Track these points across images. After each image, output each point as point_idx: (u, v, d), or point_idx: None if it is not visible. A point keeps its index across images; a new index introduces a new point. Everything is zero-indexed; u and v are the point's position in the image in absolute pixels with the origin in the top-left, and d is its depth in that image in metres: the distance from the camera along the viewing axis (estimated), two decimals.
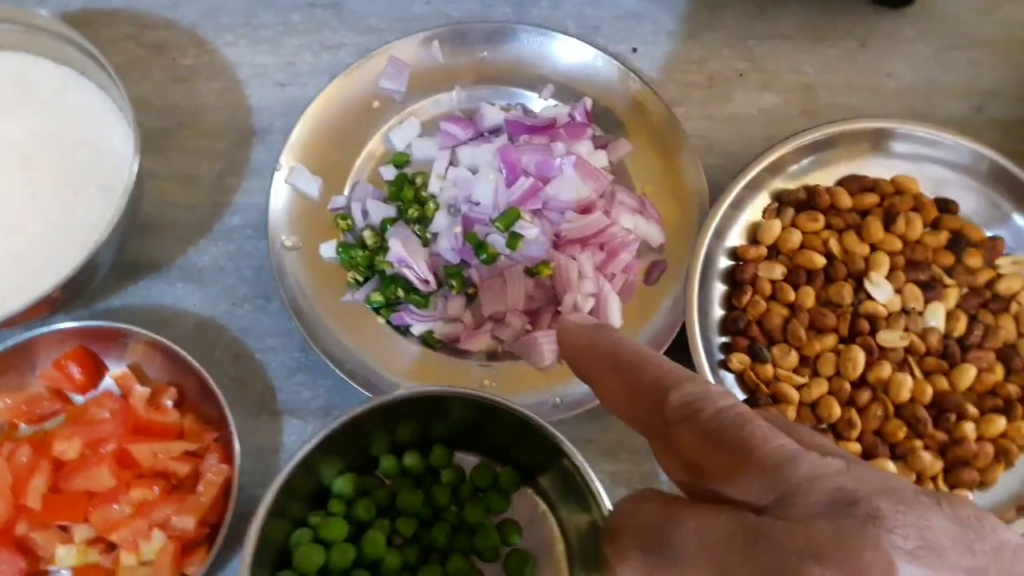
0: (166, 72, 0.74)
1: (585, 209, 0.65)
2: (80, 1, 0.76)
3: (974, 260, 0.67)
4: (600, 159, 0.68)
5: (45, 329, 0.62)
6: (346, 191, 0.70)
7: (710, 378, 0.63)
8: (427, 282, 0.65)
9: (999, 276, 0.67)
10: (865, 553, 0.23)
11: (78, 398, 0.65)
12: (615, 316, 0.65)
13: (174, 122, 0.72)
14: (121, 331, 0.63)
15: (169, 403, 0.63)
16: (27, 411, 0.64)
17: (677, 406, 0.28)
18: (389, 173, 0.70)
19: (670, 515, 0.27)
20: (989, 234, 0.68)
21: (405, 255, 0.64)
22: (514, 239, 0.64)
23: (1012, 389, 0.64)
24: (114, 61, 0.72)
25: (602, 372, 0.32)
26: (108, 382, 0.65)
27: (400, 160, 0.70)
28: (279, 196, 0.67)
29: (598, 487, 0.55)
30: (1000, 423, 0.63)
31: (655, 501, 0.29)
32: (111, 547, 0.59)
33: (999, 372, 0.65)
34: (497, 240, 0.65)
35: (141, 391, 0.63)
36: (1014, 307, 0.67)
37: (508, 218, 0.64)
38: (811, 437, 0.29)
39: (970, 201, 0.69)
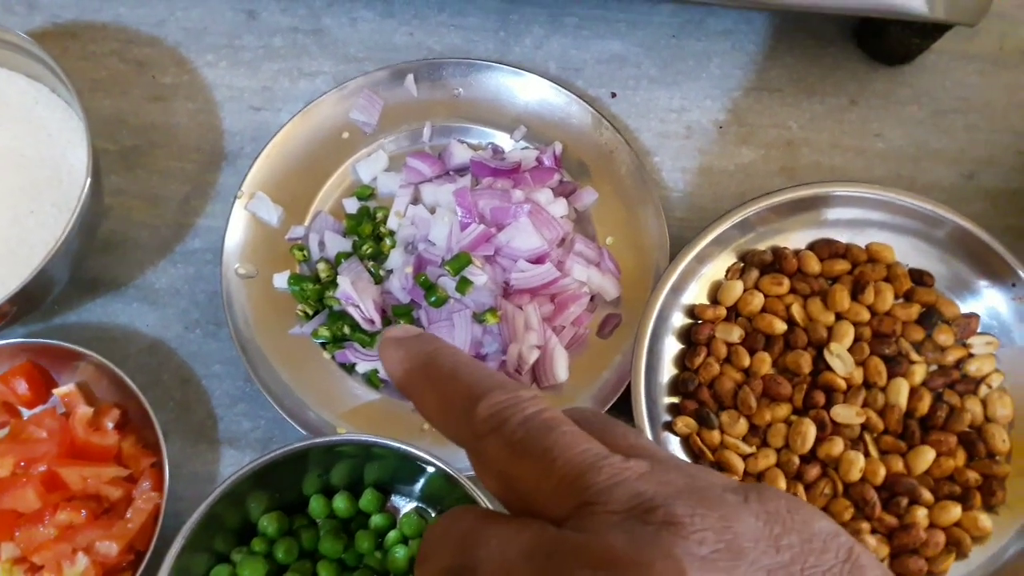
0: (145, 90, 0.74)
1: (538, 259, 0.64)
2: (71, 13, 0.76)
3: (945, 337, 0.64)
4: (560, 208, 0.66)
5: None
6: (307, 221, 0.69)
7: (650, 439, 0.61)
8: (372, 321, 0.64)
9: (970, 356, 0.65)
10: (656, 564, 0.22)
11: (27, 412, 0.66)
12: (561, 369, 0.64)
13: (147, 141, 0.72)
14: (69, 351, 0.63)
15: (110, 425, 0.64)
16: None
17: (485, 417, 0.27)
18: (352, 206, 0.69)
19: (476, 533, 0.26)
20: (964, 311, 0.65)
21: (352, 293, 0.63)
22: (464, 284, 0.63)
23: (972, 476, 0.61)
24: (96, 76, 0.74)
25: (418, 384, 0.30)
26: (55, 398, 0.66)
27: (364, 193, 0.70)
28: (238, 223, 0.67)
29: None
30: (955, 511, 0.60)
31: (466, 518, 0.27)
32: (38, 568, 0.60)
33: (960, 457, 0.62)
34: (448, 283, 0.64)
35: (83, 412, 0.63)
36: (983, 390, 0.64)
37: (458, 263, 0.63)
38: (624, 437, 0.28)
39: (947, 275, 0.66)
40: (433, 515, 0.62)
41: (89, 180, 0.60)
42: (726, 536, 0.23)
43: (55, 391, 0.65)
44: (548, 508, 0.25)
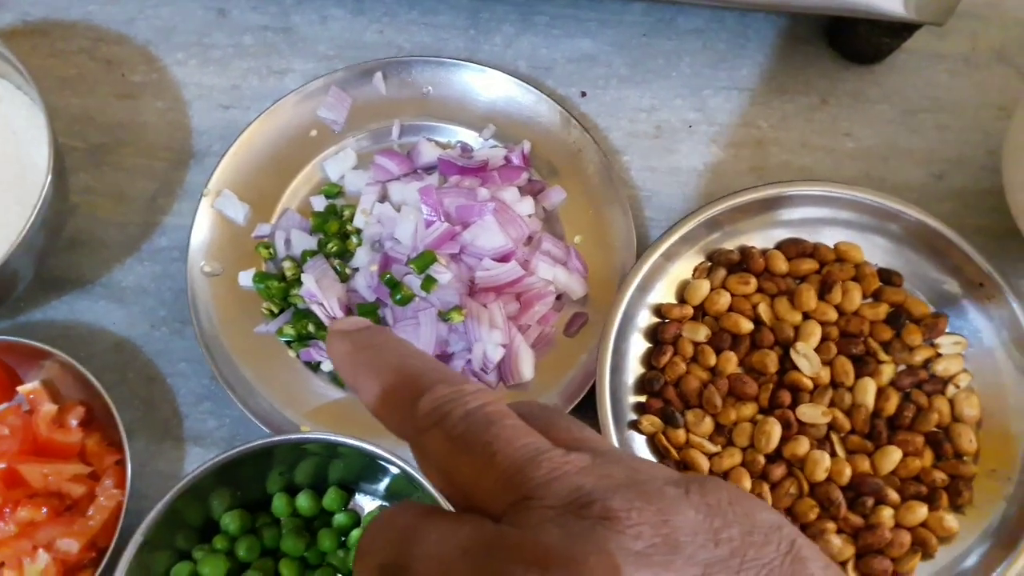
0: (113, 88, 0.74)
1: (504, 257, 0.63)
2: (41, 11, 0.76)
3: (913, 337, 0.64)
4: (527, 206, 0.66)
5: None
6: (274, 219, 0.69)
7: (614, 439, 0.61)
8: (335, 319, 0.64)
9: (938, 356, 0.64)
10: (589, 558, 0.22)
11: None
12: (526, 368, 0.63)
13: (114, 139, 0.72)
14: (35, 349, 0.63)
15: (75, 422, 0.63)
16: None
17: (427, 412, 0.26)
18: (319, 203, 0.69)
19: (414, 530, 0.25)
20: (932, 311, 0.65)
21: (315, 291, 0.63)
22: (429, 282, 0.62)
23: (938, 476, 0.61)
24: (64, 74, 0.74)
25: (364, 377, 0.29)
26: (20, 396, 0.65)
27: (331, 191, 0.69)
28: (204, 221, 0.67)
29: None
30: (921, 511, 0.60)
31: (406, 514, 0.26)
32: None
33: (927, 457, 0.62)
34: (413, 281, 0.63)
35: (47, 410, 0.63)
36: (950, 390, 0.64)
37: (423, 261, 0.62)
38: (568, 431, 0.27)
39: (916, 274, 0.66)
40: None
41: (50, 177, 0.60)
42: (663, 530, 0.23)
43: (20, 388, 0.65)
44: (489, 503, 0.25)
